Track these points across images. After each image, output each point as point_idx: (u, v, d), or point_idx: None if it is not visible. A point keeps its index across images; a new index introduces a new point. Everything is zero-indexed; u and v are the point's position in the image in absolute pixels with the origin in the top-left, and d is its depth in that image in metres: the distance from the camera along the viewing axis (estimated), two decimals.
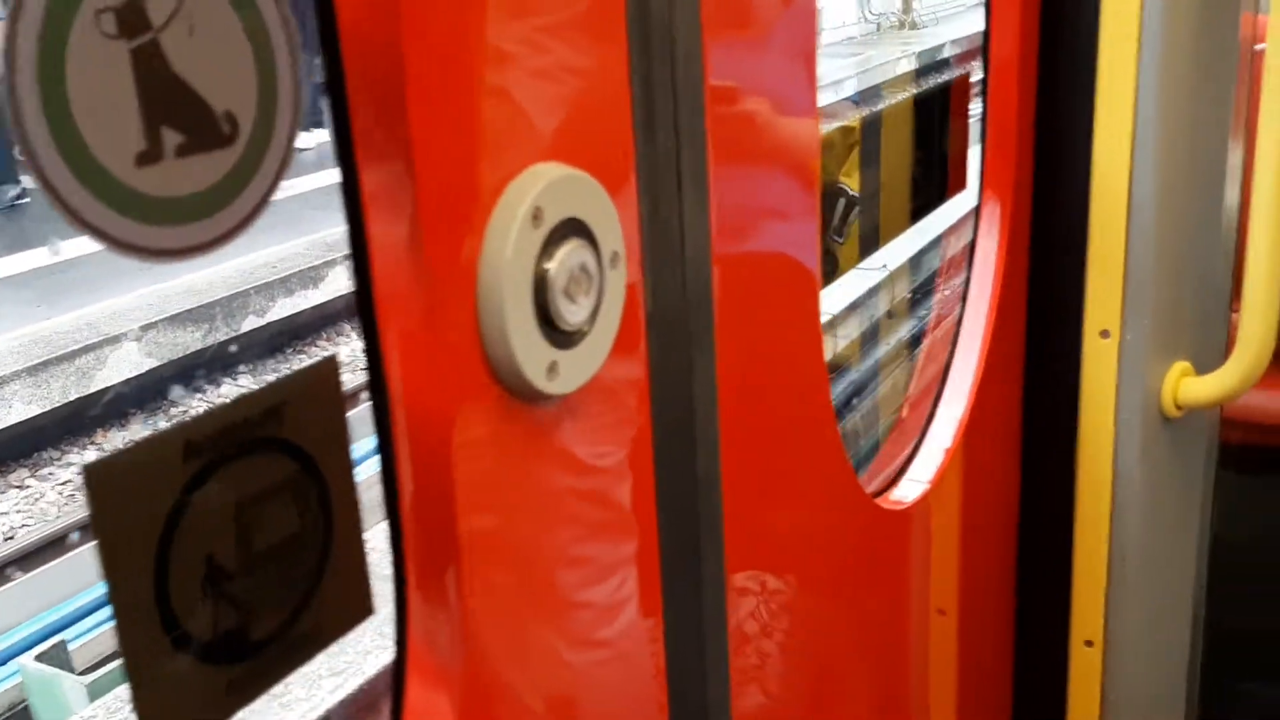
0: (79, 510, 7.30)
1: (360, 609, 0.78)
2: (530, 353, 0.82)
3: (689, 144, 1.00)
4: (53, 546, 6.75)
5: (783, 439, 1.25)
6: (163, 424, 8.63)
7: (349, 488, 0.77)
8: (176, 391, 8.96)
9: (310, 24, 0.73)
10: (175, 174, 0.64)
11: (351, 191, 0.76)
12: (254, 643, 0.71)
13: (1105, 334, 1.79)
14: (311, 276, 9.77)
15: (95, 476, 0.62)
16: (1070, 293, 1.80)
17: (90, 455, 8.17)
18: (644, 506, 1.01)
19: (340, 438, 0.76)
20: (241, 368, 9.40)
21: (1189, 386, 1.80)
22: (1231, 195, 1.84)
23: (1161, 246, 1.75)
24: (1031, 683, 2.04)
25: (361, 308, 0.78)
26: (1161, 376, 1.81)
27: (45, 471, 8.02)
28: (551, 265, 0.83)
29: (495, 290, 0.80)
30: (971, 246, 1.80)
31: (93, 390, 8.34)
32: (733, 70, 1.06)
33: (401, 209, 0.76)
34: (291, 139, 0.71)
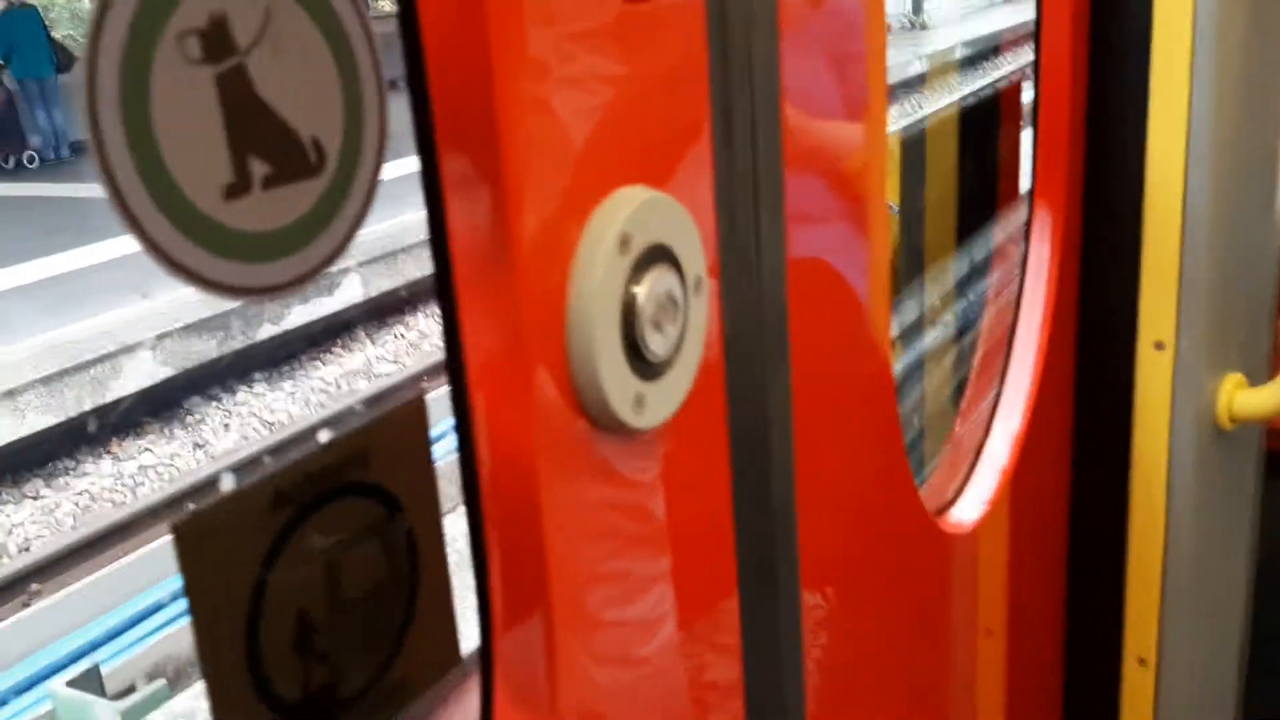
0: (95, 521, 7.28)
1: (449, 657, 0.74)
2: (619, 386, 0.78)
3: (766, 164, 0.96)
4: (77, 561, 6.71)
5: (853, 460, 1.21)
6: (180, 433, 8.62)
7: (436, 530, 0.73)
8: (193, 400, 8.95)
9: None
10: (263, 207, 0.61)
11: (437, 217, 0.72)
12: (343, 700, 0.68)
13: (1160, 345, 1.75)
14: (326, 285, 9.75)
15: (185, 534, 0.58)
16: (1124, 303, 1.76)
17: (105, 464, 8.16)
18: (721, 533, 0.98)
19: (427, 479, 0.72)
20: (258, 375, 9.39)
21: (1244, 399, 1.76)
22: None
23: (1215, 256, 1.71)
24: (1082, 703, 2.00)
25: (448, 338, 0.74)
26: (1215, 389, 1.77)
27: (60, 481, 8.00)
28: (640, 293, 0.79)
29: (584, 321, 0.76)
30: (1024, 257, 1.76)
31: (108, 399, 8.33)
32: (807, 91, 1.03)
33: (488, 234, 0.73)
34: (378, 166, 0.67)
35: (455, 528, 0.78)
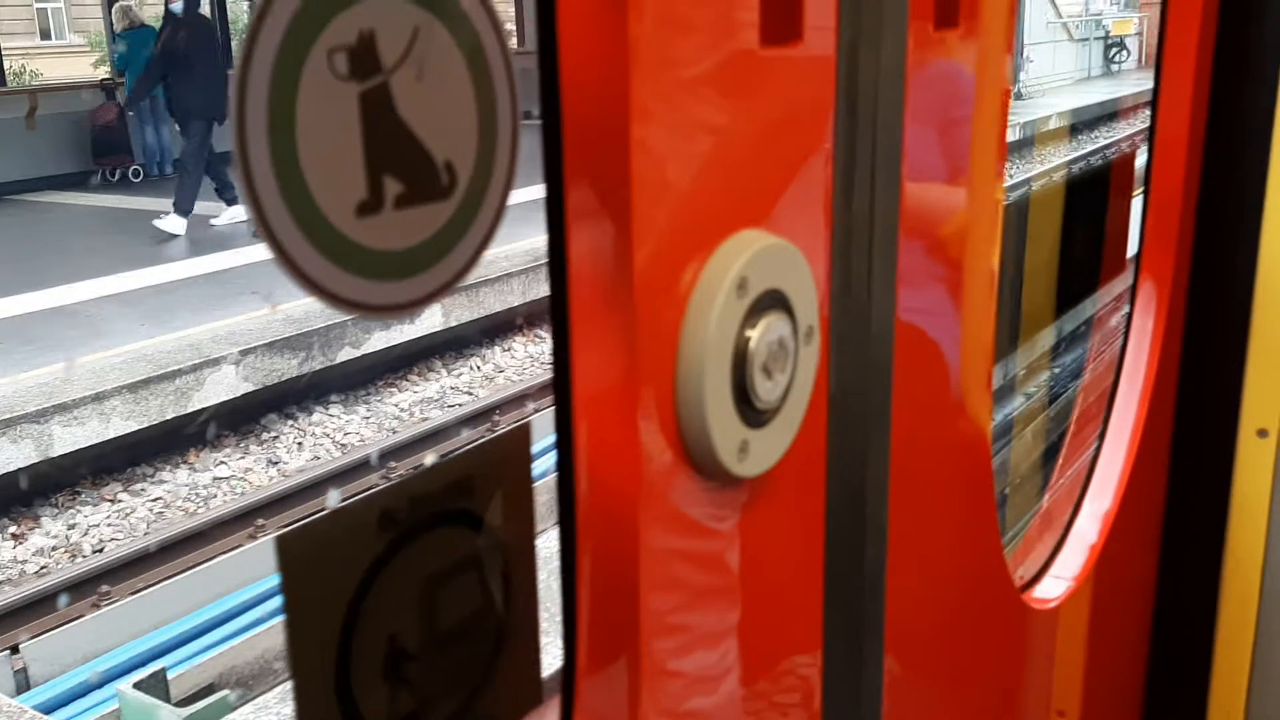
0: (168, 528, 7.40)
1: (531, 696, 0.73)
2: (725, 431, 0.77)
3: (882, 221, 0.95)
4: (150, 567, 6.81)
5: (945, 527, 1.18)
6: (255, 449, 8.75)
7: (530, 565, 0.72)
8: (269, 417, 9.09)
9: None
10: (393, 226, 0.61)
11: (558, 247, 0.72)
12: None
13: (1263, 433, 1.69)
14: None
15: (289, 546, 0.58)
16: (1228, 386, 1.70)
17: (182, 474, 8.31)
18: (810, 592, 0.95)
19: (526, 512, 0.71)
20: (334, 397, 9.51)
21: None
22: None
23: None
24: None
25: (557, 367, 0.74)
26: None
27: (138, 487, 8.16)
28: (753, 338, 0.78)
29: (696, 360, 0.75)
30: (1125, 332, 1.71)
31: (189, 410, 8.49)
32: (925, 153, 1.01)
33: (609, 266, 0.72)
34: (507, 193, 0.67)
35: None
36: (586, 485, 0.76)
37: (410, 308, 0.62)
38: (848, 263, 0.91)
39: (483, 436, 0.69)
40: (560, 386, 0.74)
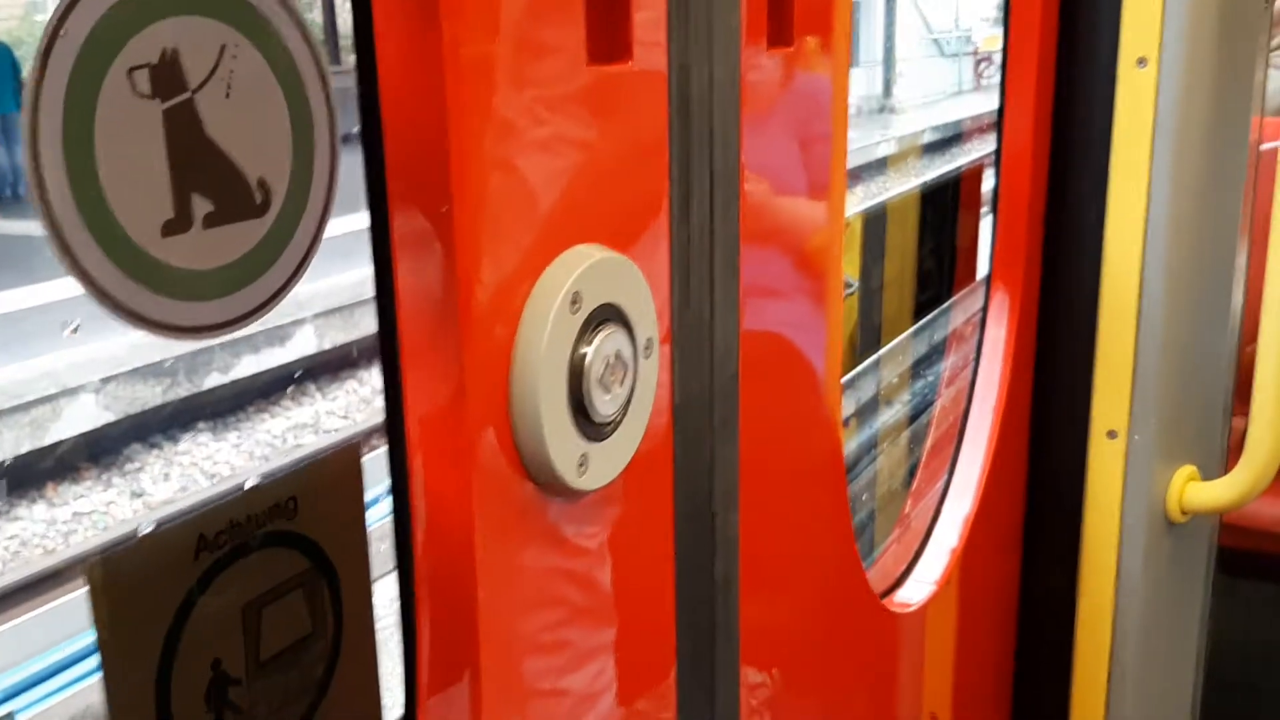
0: (19, 569, 7.08)
1: (370, 718, 0.72)
2: (563, 445, 0.77)
3: (722, 234, 0.96)
4: (4, 607, 6.50)
5: (799, 536, 1.20)
6: (118, 480, 8.45)
7: (363, 587, 0.70)
8: (134, 447, 8.78)
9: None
10: (202, 245, 0.59)
11: (384, 266, 0.71)
12: None
13: (1112, 434, 1.76)
14: (279, 336, 9.66)
15: (100, 574, 0.56)
16: (1078, 390, 1.77)
17: (39, 508, 7.97)
18: (662, 604, 0.96)
19: (358, 534, 0.70)
20: (201, 425, 9.24)
21: (1195, 492, 1.77)
22: (1237, 297, 1.83)
23: (1170, 347, 1.73)
24: None
25: (388, 390, 0.73)
26: (1167, 480, 1.78)
27: None
28: (588, 353, 0.78)
29: (530, 378, 0.74)
30: (979, 339, 1.77)
31: (46, 443, 8.15)
32: (766, 166, 1.03)
33: (437, 286, 0.71)
34: (326, 211, 0.66)
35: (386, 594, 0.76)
36: (423, 502, 0.75)
37: (223, 328, 0.60)
38: (687, 276, 0.92)
39: (309, 459, 0.68)
40: (392, 406, 0.73)
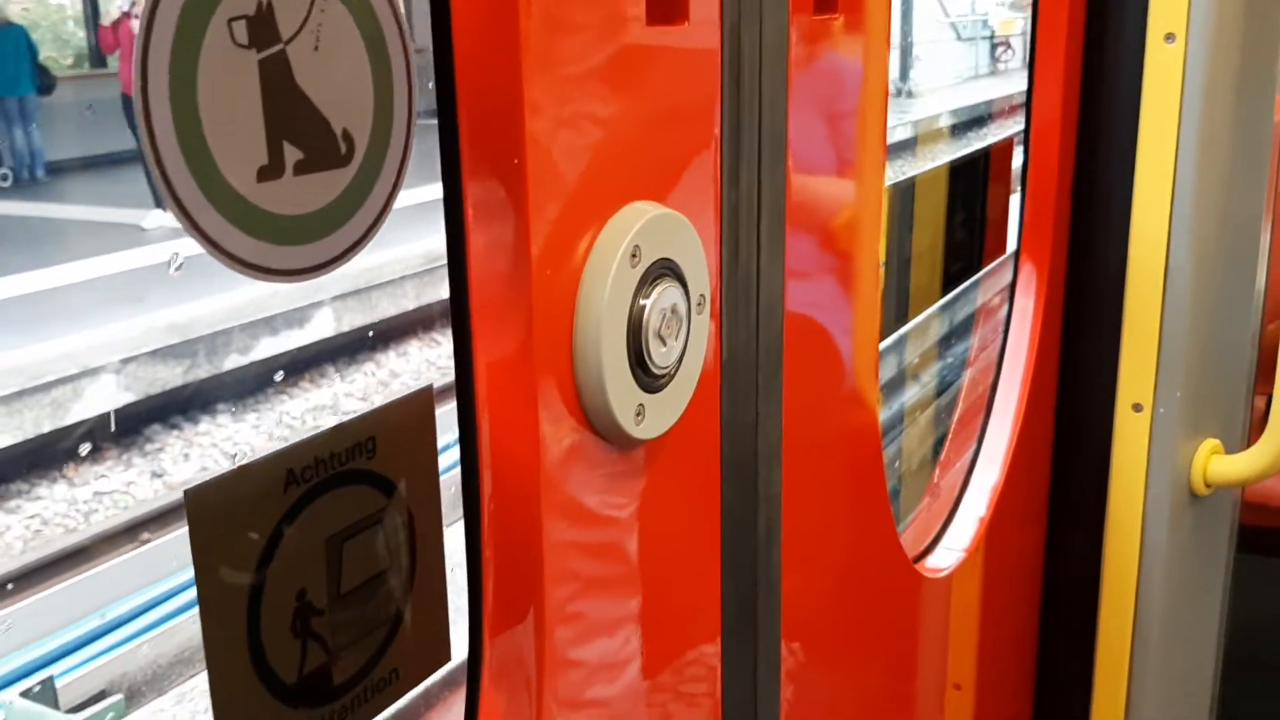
0: (45, 546, 7.16)
1: (439, 653, 0.75)
2: (622, 394, 0.80)
3: (769, 191, 0.99)
4: (36, 578, 6.58)
5: (836, 495, 1.23)
6: (139, 461, 8.51)
7: (436, 525, 0.74)
8: (153, 428, 8.85)
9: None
10: (293, 192, 0.62)
11: (455, 223, 0.74)
12: (336, 686, 0.68)
13: (1138, 407, 1.78)
14: (297, 318, 9.71)
15: (197, 500, 0.59)
16: (1104, 364, 1.79)
17: (60, 488, 8.04)
18: (708, 549, 0.99)
19: (430, 473, 0.73)
20: (221, 406, 9.30)
21: (1219, 465, 1.79)
22: (1261, 273, 1.84)
23: (1195, 321, 1.75)
24: None
25: (458, 342, 0.76)
26: (1191, 453, 1.80)
27: (13, 504, 7.87)
28: (647, 305, 0.81)
29: (593, 327, 0.77)
30: (1008, 314, 1.79)
31: (67, 423, 8.22)
32: (810, 121, 1.06)
33: (508, 237, 0.74)
34: (405, 163, 0.69)
35: (455, 540, 0.79)
36: (489, 449, 0.78)
37: (309, 272, 0.63)
38: (736, 235, 0.95)
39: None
40: (462, 357, 0.76)
